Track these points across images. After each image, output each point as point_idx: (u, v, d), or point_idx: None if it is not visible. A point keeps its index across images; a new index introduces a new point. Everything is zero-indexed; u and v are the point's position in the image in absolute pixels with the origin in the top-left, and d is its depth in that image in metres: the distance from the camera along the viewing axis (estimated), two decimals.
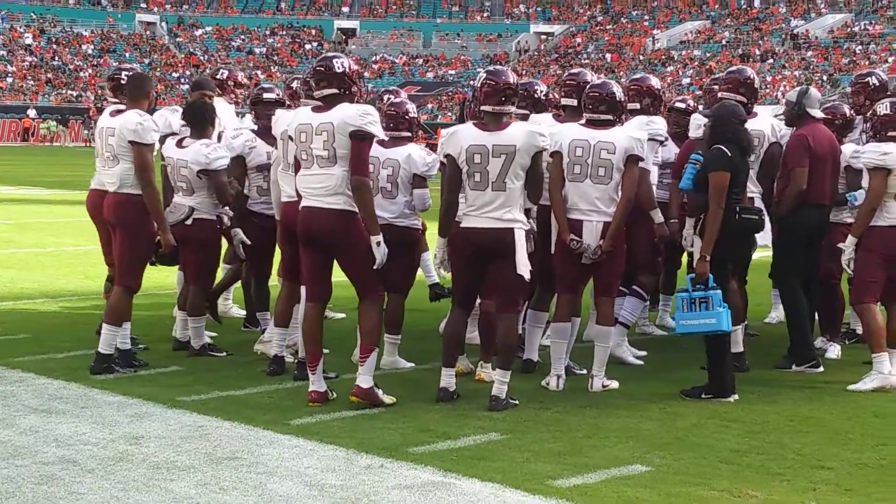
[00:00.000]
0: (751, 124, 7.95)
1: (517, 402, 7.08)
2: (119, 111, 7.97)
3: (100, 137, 8.00)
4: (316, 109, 6.97)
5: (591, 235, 7.45)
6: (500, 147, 6.94)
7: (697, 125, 8.42)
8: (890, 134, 7.84)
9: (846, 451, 6.24)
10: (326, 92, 6.95)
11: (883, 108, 7.96)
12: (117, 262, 7.94)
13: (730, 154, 7.33)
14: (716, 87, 8.94)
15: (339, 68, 6.95)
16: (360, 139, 6.80)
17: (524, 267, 6.98)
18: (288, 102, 8.57)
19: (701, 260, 7.28)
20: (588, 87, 7.79)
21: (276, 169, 7.84)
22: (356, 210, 6.85)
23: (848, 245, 7.89)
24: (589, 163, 7.45)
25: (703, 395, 7.37)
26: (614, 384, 7.61)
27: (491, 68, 7.39)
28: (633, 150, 7.47)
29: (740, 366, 8.13)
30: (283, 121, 7.58)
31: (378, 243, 6.82)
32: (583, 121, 7.69)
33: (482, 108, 7.10)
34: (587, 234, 7.46)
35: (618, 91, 7.67)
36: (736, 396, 7.39)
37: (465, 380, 7.66)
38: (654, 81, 8.83)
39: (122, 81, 8.39)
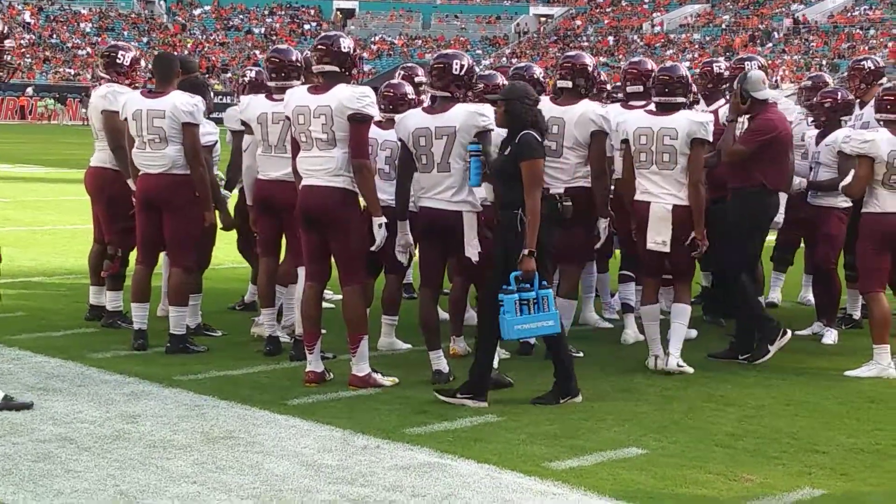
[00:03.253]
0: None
1: (512, 381, 7.10)
2: (156, 92, 7.83)
3: (135, 120, 7.75)
4: (313, 90, 6.96)
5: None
6: (442, 129, 6.99)
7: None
8: (877, 117, 7.86)
9: (841, 436, 6.26)
10: (327, 68, 6.95)
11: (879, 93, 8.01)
12: (170, 243, 7.93)
13: (539, 139, 6.69)
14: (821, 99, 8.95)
15: (344, 48, 6.96)
16: (359, 122, 6.81)
17: (472, 249, 7.02)
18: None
19: (528, 257, 6.51)
20: (658, 70, 8.00)
21: (254, 153, 7.84)
22: (357, 191, 6.86)
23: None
24: (653, 150, 7.54)
25: (561, 400, 6.75)
26: (689, 370, 7.57)
27: (444, 52, 7.42)
28: (697, 134, 7.55)
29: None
30: (253, 106, 7.73)
31: (380, 225, 6.83)
32: (651, 106, 7.86)
33: (430, 91, 7.29)
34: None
35: (687, 73, 7.88)
36: (581, 398, 6.82)
37: (462, 362, 7.67)
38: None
39: (118, 60, 8.55)
